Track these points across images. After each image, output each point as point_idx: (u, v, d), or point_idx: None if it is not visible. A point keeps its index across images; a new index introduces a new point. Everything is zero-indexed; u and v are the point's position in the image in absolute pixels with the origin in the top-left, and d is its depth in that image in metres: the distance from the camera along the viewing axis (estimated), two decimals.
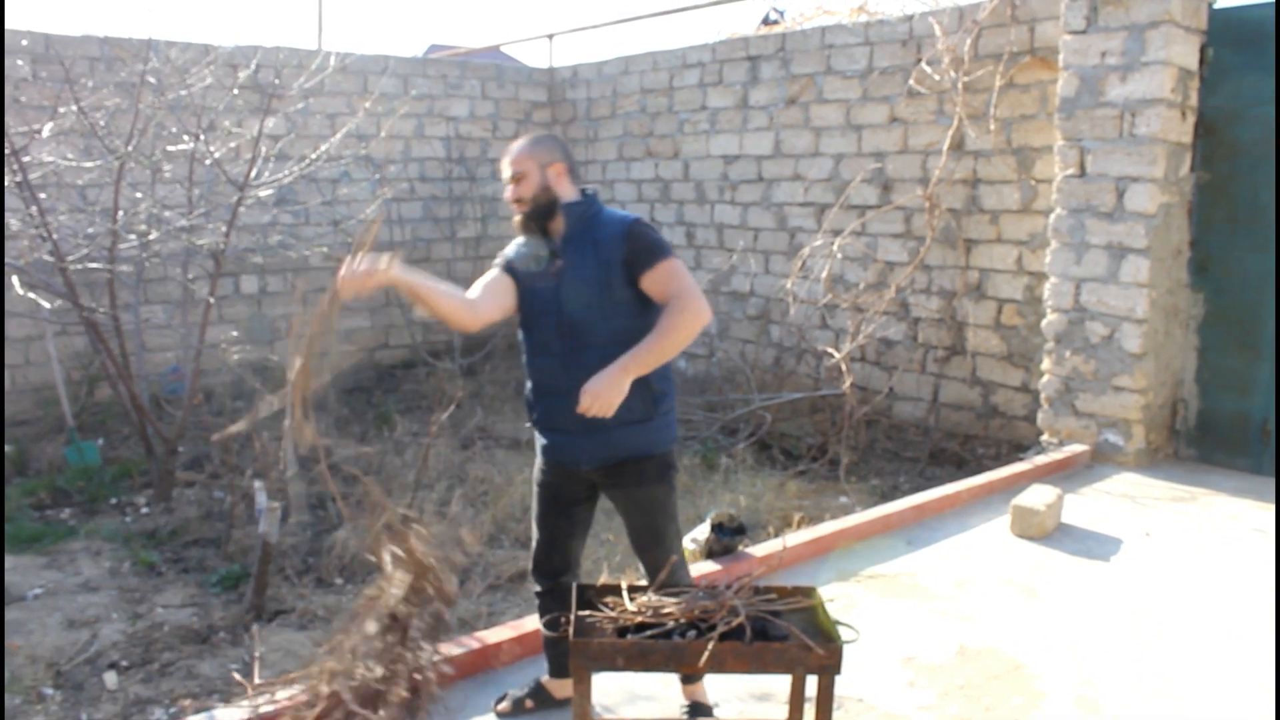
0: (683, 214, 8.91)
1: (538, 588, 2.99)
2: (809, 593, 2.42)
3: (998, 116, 6.40)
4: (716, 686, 3.07)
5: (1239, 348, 5.56)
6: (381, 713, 2.30)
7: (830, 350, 6.94)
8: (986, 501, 5.00)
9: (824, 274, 7.08)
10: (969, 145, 6.60)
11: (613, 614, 2.30)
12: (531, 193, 2.74)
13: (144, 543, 5.01)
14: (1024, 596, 3.90)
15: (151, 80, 5.81)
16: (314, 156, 6.39)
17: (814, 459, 6.34)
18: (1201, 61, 5.50)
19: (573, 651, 2.18)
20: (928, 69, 6.76)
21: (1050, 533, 4.54)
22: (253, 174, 5.68)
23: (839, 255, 7.12)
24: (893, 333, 7.17)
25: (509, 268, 2.82)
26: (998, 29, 6.41)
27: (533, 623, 3.32)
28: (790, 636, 2.20)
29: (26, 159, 5.18)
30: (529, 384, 2.87)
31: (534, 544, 2.98)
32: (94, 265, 5.35)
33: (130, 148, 5.47)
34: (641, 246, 2.67)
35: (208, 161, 5.80)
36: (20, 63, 7.04)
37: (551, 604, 2.85)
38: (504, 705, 3.03)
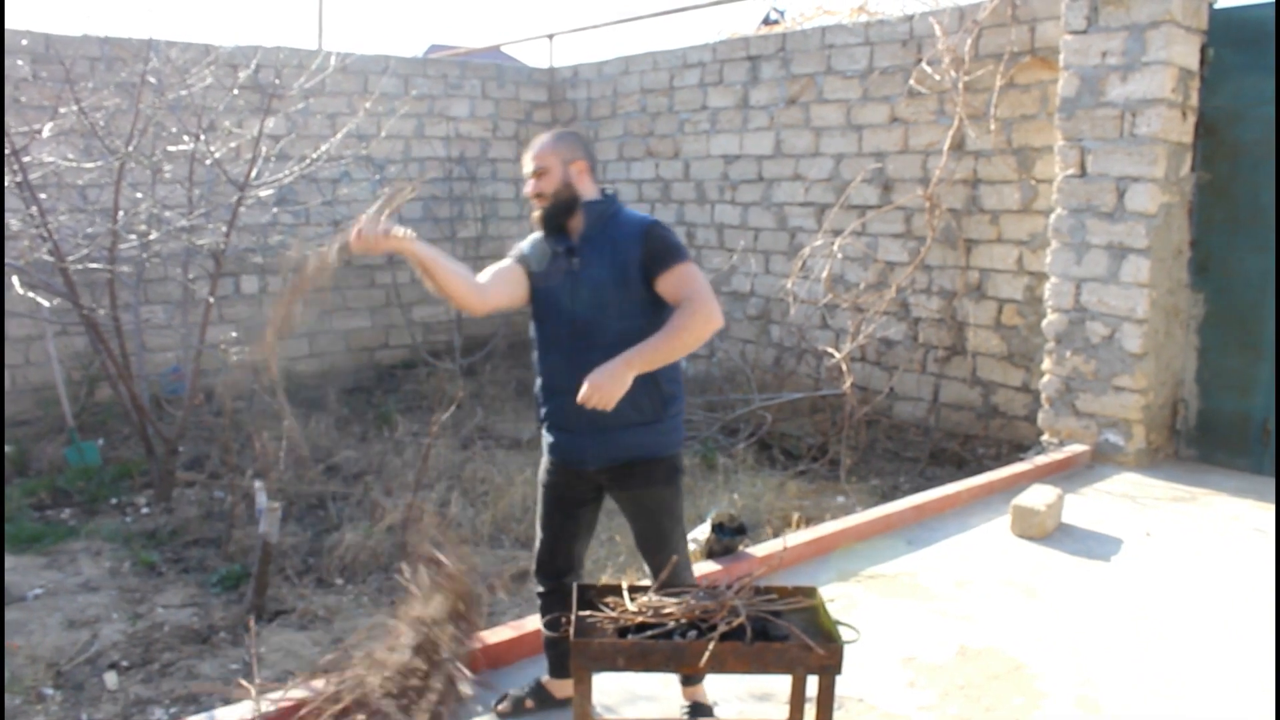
0: (683, 214, 8.91)
1: (540, 588, 2.99)
2: (810, 593, 2.42)
3: (998, 116, 6.40)
4: (717, 686, 3.07)
5: (1239, 348, 5.56)
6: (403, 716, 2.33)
7: (830, 350, 6.94)
8: (987, 501, 5.00)
9: (824, 274, 7.08)
10: (969, 145, 6.60)
11: (613, 614, 2.30)
12: (553, 188, 2.74)
13: (144, 543, 5.01)
14: (1024, 596, 3.90)
15: (152, 80, 5.80)
16: (314, 156, 6.38)
17: (814, 459, 6.33)
18: (1202, 61, 5.50)
19: (573, 651, 2.18)
20: (928, 69, 6.76)
21: (1050, 533, 4.54)
22: (253, 174, 5.68)
23: (839, 255, 7.12)
24: (893, 333, 7.17)
25: (523, 260, 2.81)
26: (998, 29, 6.41)
27: (533, 623, 3.32)
28: (791, 636, 2.20)
29: (27, 159, 5.17)
30: (539, 380, 2.86)
31: (537, 544, 2.98)
32: (94, 265, 5.35)
33: (130, 148, 5.47)
34: (658, 248, 2.66)
35: (208, 161, 5.80)
36: (20, 63, 7.04)
37: (554, 604, 2.84)
38: (504, 705, 3.02)
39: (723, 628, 2.21)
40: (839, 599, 3.81)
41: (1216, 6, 5.53)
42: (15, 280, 5.18)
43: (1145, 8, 5.31)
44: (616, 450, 2.74)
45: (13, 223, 5.19)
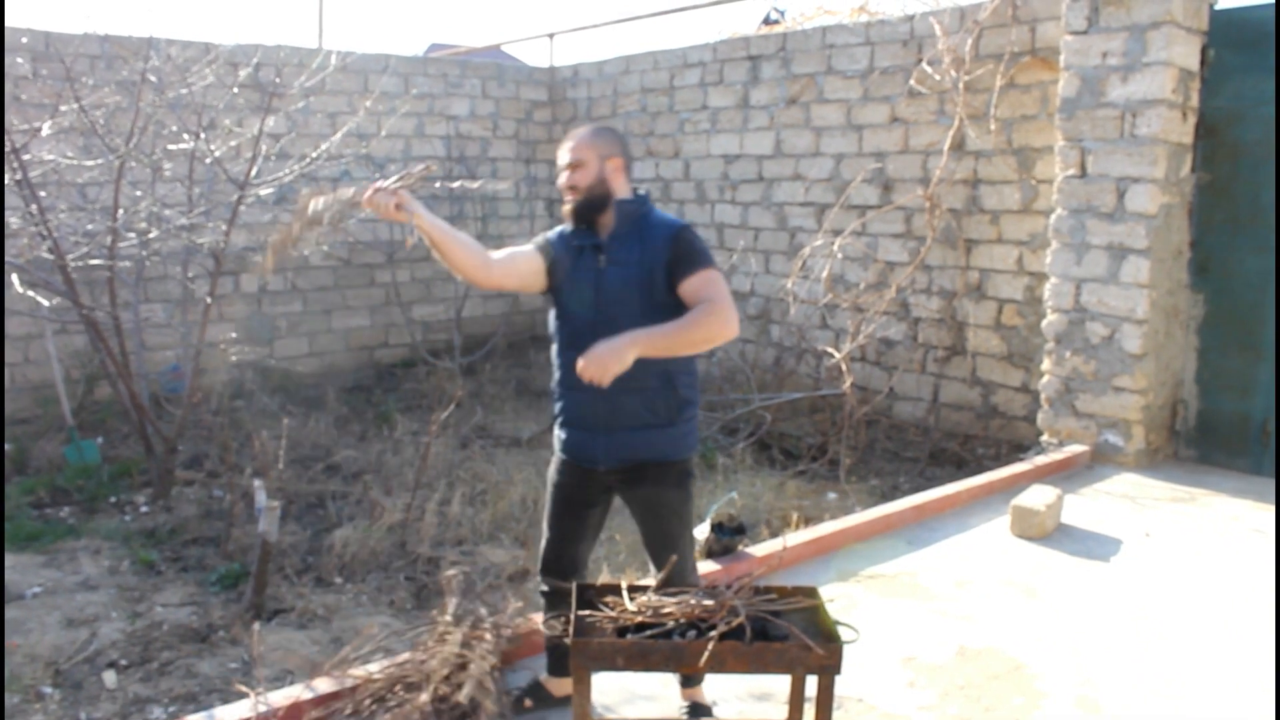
0: (683, 214, 8.91)
1: (545, 588, 2.98)
2: (810, 593, 2.42)
3: (998, 117, 6.40)
4: (716, 686, 3.06)
5: (1239, 348, 5.56)
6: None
7: (830, 350, 6.94)
8: (986, 502, 5.00)
9: (824, 274, 7.08)
10: (970, 145, 6.60)
11: (613, 614, 2.30)
12: (587, 182, 2.74)
13: (143, 541, 5.01)
14: (1024, 597, 3.90)
15: (152, 79, 5.80)
16: (314, 155, 6.38)
17: (814, 459, 6.33)
18: (1202, 62, 5.50)
19: (572, 651, 2.18)
20: (928, 69, 6.76)
21: (1050, 533, 4.54)
22: (253, 173, 5.68)
23: (839, 255, 7.12)
24: (893, 333, 7.17)
25: (546, 251, 2.81)
26: (999, 29, 6.41)
27: (534, 621, 3.31)
28: (790, 636, 2.20)
29: (26, 157, 5.17)
30: (556, 375, 2.85)
31: (544, 543, 2.97)
32: (94, 263, 5.35)
33: (130, 146, 5.47)
34: (686, 252, 2.65)
35: (208, 160, 5.79)
36: (20, 60, 7.04)
37: (558, 604, 2.84)
38: None
39: (722, 628, 2.21)
40: (838, 599, 3.81)
41: (1217, 7, 5.53)
42: (15, 278, 5.18)
43: (1146, 8, 5.31)
44: (628, 452, 2.73)
45: (12, 220, 5.18)
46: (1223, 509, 4.90)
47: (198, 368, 5.75)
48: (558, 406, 2.85)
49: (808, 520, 4.93)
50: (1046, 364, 5.90)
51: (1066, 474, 5.43)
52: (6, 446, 6.24)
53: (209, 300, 5.77)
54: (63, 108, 5.40)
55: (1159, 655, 3.40)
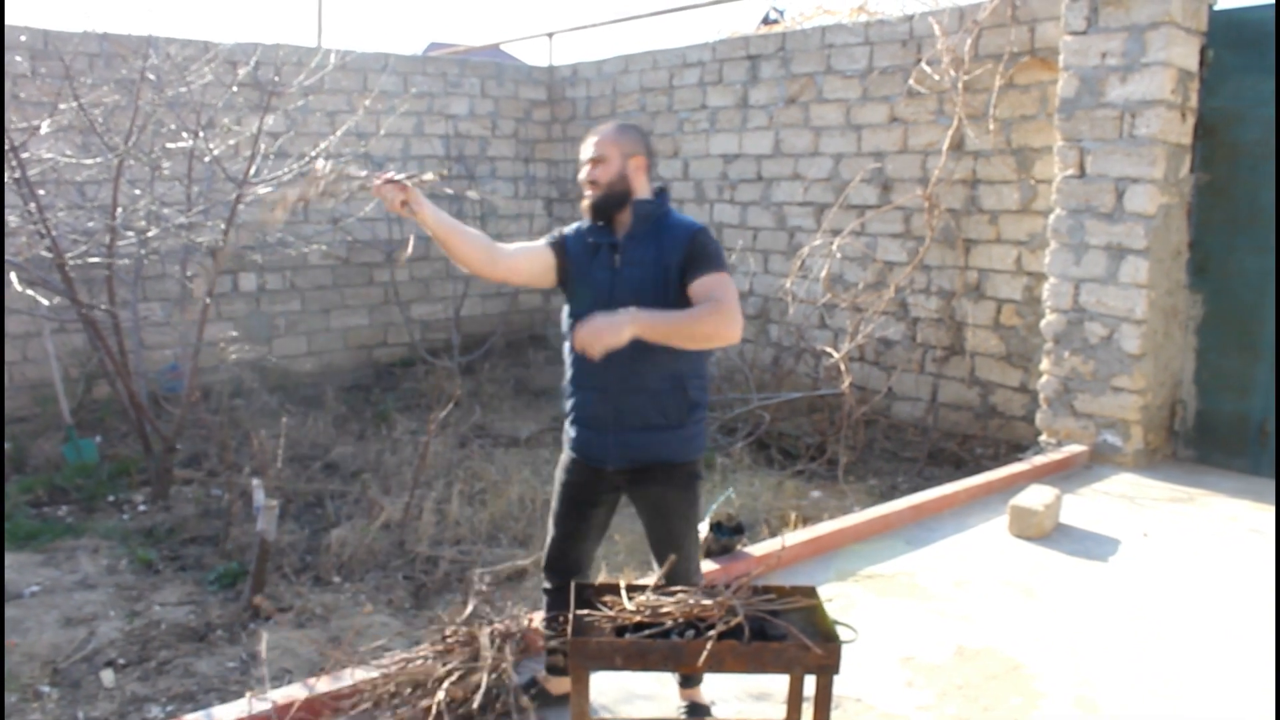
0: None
1: (548, 584, 2.98)
2: (808, 592, 2.42)
3: (997, 117, 6.40)
4: (714, 685, 3.06)
5: (1238, 349, 5.56)
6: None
7: (829, 350, 6.94)
8: (985, 502, 5.00)
9: (823, 273, 7.08)
10: (968, 145, 6.60)
11: (611, 613, 2.30)
12: (608, 179, 2.74)
13: (141, 540, 5.00)
14: (1022, 596, 3.90)
15: (151, 77, 5.80)
16: (313, 154, 6.37)
17: (812, 459, 6.33)
18: (1202, 63, 5.50)
19: (571, 650, 2.18)
20: (928, 69, 6.76)
21: (1048, 533, 4.54)
22: (252, 171, 5.67)
23: (838, 255, 7.12)
24: (891, 333, 7.17)
25: (559, 248, 2.81)
26: (998, 29, 6.41)
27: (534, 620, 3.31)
28: (788, 636, 2.20)
29: (25, 155, 5.17)
30: (568, 373, 2.85)
31: (549, 540, 2.97)
32: (92, 262, 5.34)
33: (129, 144, 5.46)
34: (700, 253, 2.65)
35: (207, 159, 5.79)
36: (19, 59, 7.03)
37: (560, 602, 2.84)
38: None
39: (720, 627, 2.21)
40: (837, 599, 3.81)
41: (1216, 8, 5.53)
42: (13, 277, 5.17)
43: (1145, 9, 5.31)
44: (637, 452, 2.73)
45: (11, 219, 5.18)
46: (1221, 509, 4.91)
47: (196, 367, 5.75)
48: (568, 404, 2.86)
49: (806, 520, 4.93)
50: (1045, 364, 5.90)
51: (1065, 474, 5.43)
52: (5, 445, 6.23)
53: (207, 299, 5.77)
54: (61, 106, 5.40)
55: (1157, 655, 3.40)
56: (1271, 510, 4.85)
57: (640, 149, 2.78)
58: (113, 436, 6.84)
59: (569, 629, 2.24)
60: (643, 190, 2.78)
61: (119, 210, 5.47)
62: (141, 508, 5.53)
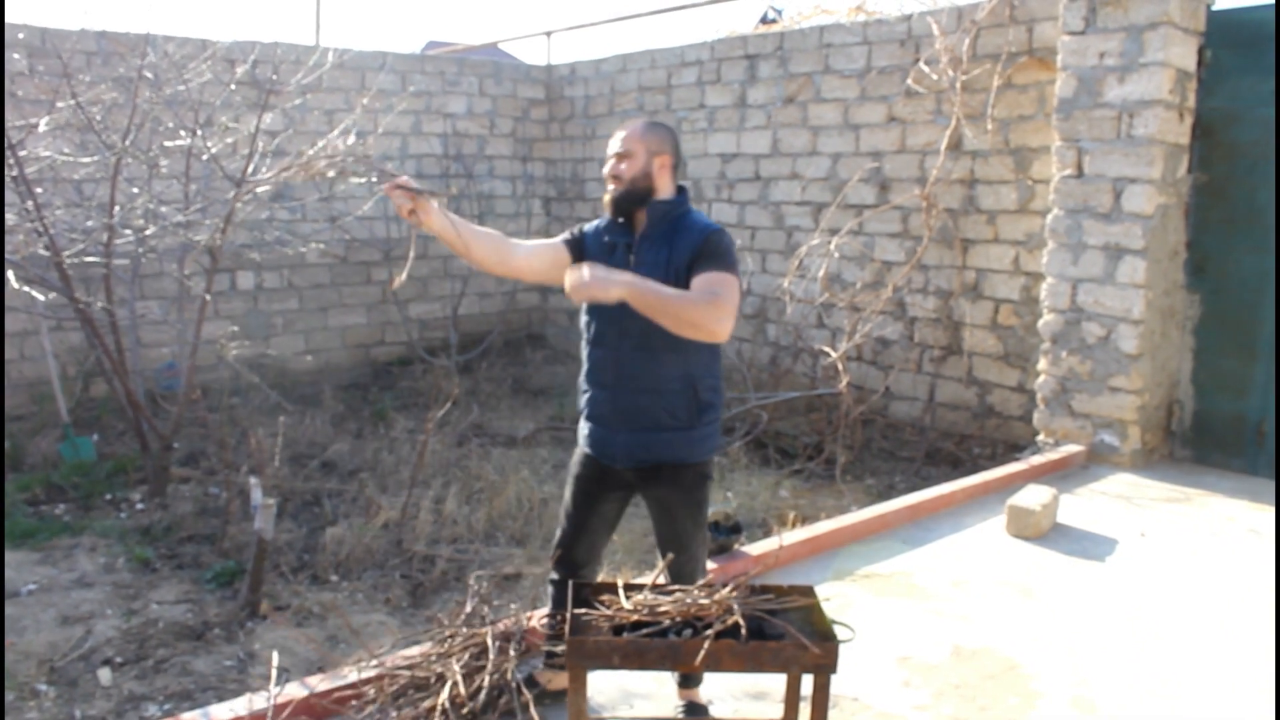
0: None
1: (554, 576, 2.99)
2: (805, 592, 2.42)
3: (995, 117, 6.40)
4: (712, 685, 3.06)
5: (1235, 349, 5.57)
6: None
7: (827, 349, 6.94)
8: (982, 501, 5.00)
9: (821, 273, 7.08)
10: (966, 145, 6.61)
11: (609, 612, 2.30)
12: (631, 175, 2.74)
13: (139, 539, 5.00)
14: (1020, 596, 3.90)
15: (149, 75, 5.79)
16: (311, 153, 6.36)
17: (810, 458, 6.34)
18: (1200, 63, 5.51)
19: (568, 649, 2.18)
20: (926, 69, 6.76)
21: (1046, 533, 4.55)
22: (250, 170, 5.67)
23: (836, 254, 7.12)
24: (889, 332, 7.17)
25: (575, 246, 2.82)
26: (996, 29, 6.41)
27: (535, 618, 3.31)
28: (786, 635, 2.20)
29: (23, 153, 5.15)
30: (584, 369, 2.87)
31: (558, 533, 2.97)
32: (90, 260, 5.33)
33: (127, 143, 5.45)
34: (710, 251, 2.64)
35: (205, 157, 5.78)
36: (17, 56, 7.01)
37: (565, 596, 2.84)
38: None
39: (718, 626, 2.21)
40: (834, 598, 3.81)
41: (1214, 8, 5.53)
42: (11, 275, 5.16)
43: (1143, 9, 5.32)
44: (646, 452, 2.74)
45: (9, 217, 5.16)
46: (1218, 509, 4.91)
47: (194, 365, 5.74)
48: (582, 400, 2.88)
49: (804, 519, 4.93)
50: (1042, 364, 5.91)
51: (1062, 474, 5.43)
52: (3, 443, 6.22)
53: (205, 297, 5.76)
54: (59, 104, 5.38)
55: (1154, 655, 3.41)
56: (1269, 510, 4.86)
57: (667, 148, 2.78)
58: (110, 435, 6.84)
59: (567, 628, 2.24)
60: (665, 190, 2.77)
61: (117, 208, 5.46)
62: (139, 506, 5.53)
